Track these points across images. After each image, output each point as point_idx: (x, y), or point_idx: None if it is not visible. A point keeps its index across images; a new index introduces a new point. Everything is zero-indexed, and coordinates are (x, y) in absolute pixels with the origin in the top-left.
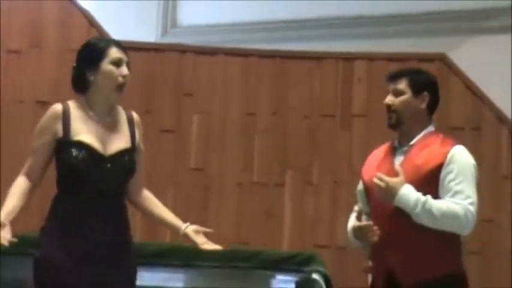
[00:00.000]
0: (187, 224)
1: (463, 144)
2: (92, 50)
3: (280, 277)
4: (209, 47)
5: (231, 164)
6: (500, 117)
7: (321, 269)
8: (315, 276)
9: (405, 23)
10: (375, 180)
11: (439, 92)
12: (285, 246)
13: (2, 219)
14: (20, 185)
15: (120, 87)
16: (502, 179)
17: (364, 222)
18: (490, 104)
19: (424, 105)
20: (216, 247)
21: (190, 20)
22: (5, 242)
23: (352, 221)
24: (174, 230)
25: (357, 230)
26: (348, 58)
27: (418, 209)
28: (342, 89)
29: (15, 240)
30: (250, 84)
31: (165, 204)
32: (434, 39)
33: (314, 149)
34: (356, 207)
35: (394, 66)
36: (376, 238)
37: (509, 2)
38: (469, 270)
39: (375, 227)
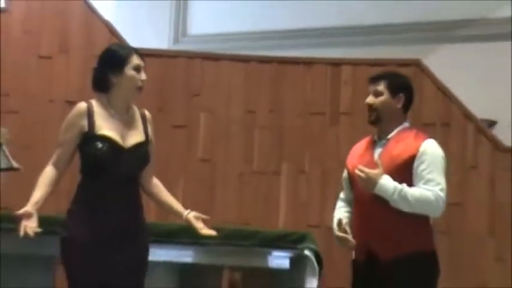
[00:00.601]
0: (189, 210)
1: (434, 138)
2: (116, 56)
3: (276, 253)
4: (214, 54)
5: (234, 156)
6: (466, 114)
7: (312, 246)
8: (307, 252)
9: (385, 33)
10: (357, 171)
11: (414, 93)
12: (281, 226)
13: (29, 209)
14: (47, 174)
15: (139, 89)
16: (468, 168)
17: (342, 234)
18: (458, 103)
19: (400, 105)
20: (212, 232)
21: (198, 30)
22: (31, 232)
23: (337, 214)
24: (178, 215)
25: (337, 239)
26: (336, 63)
27: (395, 196)
28: (330, 90)
29: (39, 230)
30: (251, 86)
31: (177, 190)
32: (410, 47)
33: (306, 143)
34: (337, 217)
35: (376, 71)
36: (352, 246)
37: (475, 14)
38: (439, 247)
39: (351, 240)
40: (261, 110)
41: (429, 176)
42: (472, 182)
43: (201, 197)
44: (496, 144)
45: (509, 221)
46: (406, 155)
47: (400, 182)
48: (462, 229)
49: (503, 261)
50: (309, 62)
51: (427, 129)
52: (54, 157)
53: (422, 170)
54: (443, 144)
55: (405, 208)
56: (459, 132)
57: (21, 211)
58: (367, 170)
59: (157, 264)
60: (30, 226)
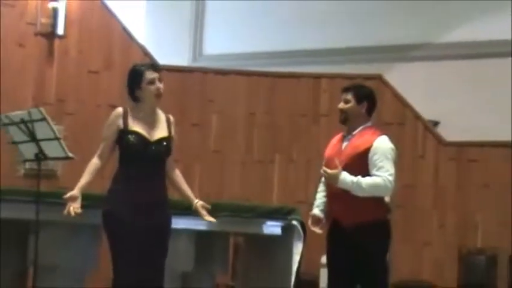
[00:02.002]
0: (197, 200)
1: (391, 135)
2: (135, 75)
3: (270, 223)
4: (223, 69)
5: (238, 148)
6: (416, 116)
7: (298, 217)
8: (294, 222)
9: (354, 53)
10: (322, 172)
11: (376, 100)
12: (274, 202)
13: (75, 193)
14: (92, 164)
15: (157, 96)
16: (418, 157)
17: (317, 229)
18: (410, 108)
19: (363, 110)
20: (212, 219)
21: (211, 51)
22: (72, 212)
23: (318, 198)
24: (190, 201)
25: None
26: (317, 77)
27: (354, 187)
28: (313, 97)
29: (80, 211)
30: (252, 94)
31: (194, 174)
32: (374, 65)
33: (294, 138)
34: (316, 204)
35: (347, 82)
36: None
37: (423, 40)
38: (396, 217)
39: (317, 231)
40: (259, 112)
41: (380, 164)
42: (421, 168)
43: (213, 180)
44: (439, 139)
45: (449, 198)
46: (363, 147)
47: (359, 167)
48: (413, 204)
49: (444, 227)
50: (296, 76)
51: (387, 127)
52: (99, 150)
53: (376, 160)
54: (399, 139)
55: (363, 194)
56: (411, 130)
57: (68, 194)
58: (328, 171)
59: (179, 231)
60: (74, 207)
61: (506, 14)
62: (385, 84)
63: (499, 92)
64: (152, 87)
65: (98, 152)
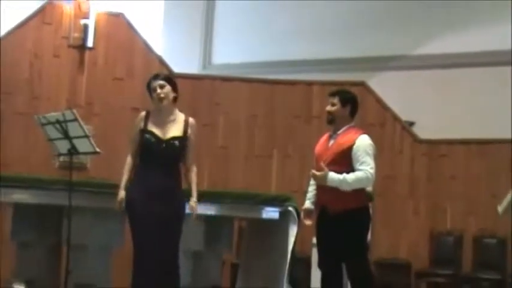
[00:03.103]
0: (193, 198)
1: (373, 133)
2: (147, 85)
3: (269, 209)
4: (229, 76)
5: (241, 145)
6: (395, 117)
7: (293, 204)
8: (290, 208)
9: (342, 63)
10: (310, 174)
11: (358, 104)
12: (273, 191)
13: (122, 193)
14: (128, 164)
15: (159, 100)
16: (396, 153)
17: (308, 221)
18: (390, 110)
19: (347, 112)
20: (194, 218)
21: (219, 61)
22: (119, 209)
23: (309, 191)
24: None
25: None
26: (309, 83)
27: (341, 184)
28: (305, 101)
29: (124, 207)
30: (253, 98)
31: (204, 167)
32: (358, 73)
33: (290, 136)
34: (307, 197)
35: (335, 88)
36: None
37: (401, 52)
38: (377, 204)
39: (307, 222)
40: (259, 114)
41: (362, 159)
42: (399, 162)
43: (220, 171)
44: (414, 137)
45: (422, 188)
46: (347, 144)
47: (344, 161)
48: (392, 193)
49: (418, 214)
50: (292, 83)
51: (369, 127)
52: (130, 150)
53: (358, 155)
54: (380, 137)
55: (350, 188)
56: (390, 129)
57: (119, 198)
58: (317, 173)
59: (190, 215)
60: (120, 206)
61: (471, 30)
62: (368, 90)
63: (464, 97)
64: (154, 94)
65: (130, 152)
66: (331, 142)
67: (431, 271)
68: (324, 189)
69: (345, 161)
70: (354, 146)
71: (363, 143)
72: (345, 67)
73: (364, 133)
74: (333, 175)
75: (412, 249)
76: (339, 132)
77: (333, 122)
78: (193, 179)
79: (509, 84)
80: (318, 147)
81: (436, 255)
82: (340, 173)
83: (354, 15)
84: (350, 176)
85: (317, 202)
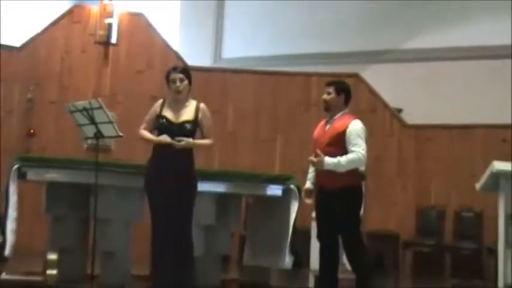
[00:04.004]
0: (192, 139)
1: (366, 119)
2: (166, 76)
3: (273, 187)
4: (238, 69)
5: (248, 130)
6: (385, 105)
7: (295, 182)
8: (292, 186)
9: (337, 57)
10: (308, 160)
11: (351, 93)
12: (276, 171)
13: (167, 138)
14: (143, 131)
15: (177, 92)
16: (386, 136)
17: (308, 201)
18: (380, 98)
19: (342, 100)
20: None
21: (228, 55)
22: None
23: (309, 172)
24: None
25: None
26: (309, 75)
27: (336, 167)
28: (305, 90)
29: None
30: (259, 88)
31: (214, 150)
32: (353, 65)
33: (291, 122)
34: (308, 177)
35: (331, 79)
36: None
37: (391, 46)
38: (369, 183)
39: (307, 201)
40: (265, 103)
41: (355, 142)
42: (389, 144)
43: (229, 154)
44: (402, 123)
45: (409, 168)
46: (341, 128)
47: (338, 144)
48: (382, 172)
49: (405, 191)
50: (293, 74)
51: (362, 114)
52: (143, 126)
53: (351, 138)
54: (371, 123)
55: (344, 170)
56: (381, 115)
57: (164, 140)
58: (314, 159)
59: (203, 193)
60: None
61: (455, 25)
62: (361, 80)
63: (448, 87)
64: (173, 86)
65: (143, 127)
66: (328, 127)
67: (417, 241)
68: (321, 171)
69: (339, 143)
70: (347, 130)
71: (355, 127)
72: (341, 60)
73: (357, 118)
74: (328, 160)
75: (400, 222)
76: (334, 118)
77: (329, 109)
78: (205, 141)
79: (487, 76)
80: (316, 132)
81: (421, 228)
82: (336, 154)
83: (350, 14)
84: (343, 159)
85: (315, 182)
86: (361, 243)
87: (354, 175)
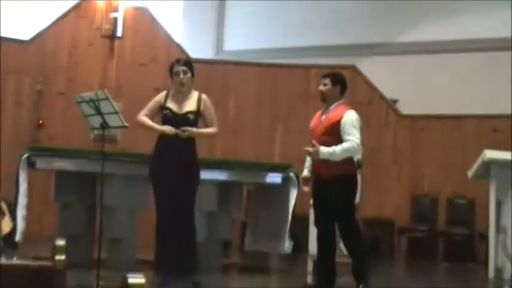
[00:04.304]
0: (196, 129)
1: (363, 110)
2: (170, 68)
3: (273, 175)
4: (238, 61)
5: (250, 120)
6: (381, 96)
7: (294, 171)
8: (291, 174)
9: (335, 49)
10: (305, 150)
11: (346, 84)
12: (276, 160)
13: (165, 128)
14: (142, 117)
15: (180, 85)
16: (382, 126)
17: (306, 188)
18: (376, 90)
19: (337, 91)
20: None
21: (230, 48)
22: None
23: (307, 161)
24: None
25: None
26: (308, 67)
27: (331, 156)
28: (304, 81)
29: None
30: (260, 80)
31: (218, 139)
32: (350, 57)
33: (291, 113)
34: (305, 166)
35: (328, 71)
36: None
37: (385, 39)
38: (365, 171)
39: (305, 189)
40: (265, 94)
41: (349, 131)
42: (385, 134)
43: (231, 143)
44: (397, 113)
45: (404, 157)
46: (336, 118)
47: (333, 133)
48: (378, 161)
49: (401, 179)
50: (292, 66)
51: (359, 105)
52: (144, 111)
53: (346, 128)
54: (368, 113)
55: (339, 158)
56: (377, 106)
57: (168, 130)
58: (310, 150)
59: (205, 181)
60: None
61: (449, 19)
62: (358, 72)
63: (441, 79)
64: (177, 79)
65: (143, 113)
66: (324, 117)
67: (412, 227)
68: (317, 160)
69: (334, 132)
70: (342, 120)
71: (350, 117)
72: (338, 53)
73: (351, 109)
74: (323, 149)
75: (395, 209)
76: (330, 108)
77: (325, 100)
78: (209, 129)
79: (479, 68)
80: (312, 122)
81: (416, 214)
82: (331, 143)
83: (348, 8)
84: (338, 148)
85: (312, 171)
86: (356, 229)
87: (349, 164)
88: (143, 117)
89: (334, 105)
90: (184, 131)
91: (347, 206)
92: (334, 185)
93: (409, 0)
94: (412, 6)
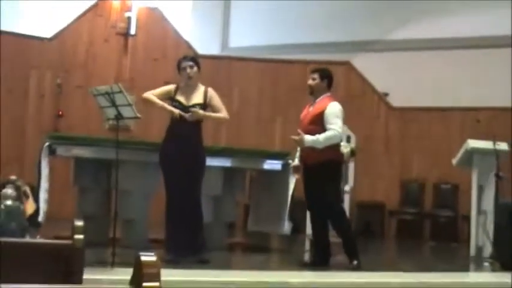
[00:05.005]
0: (203, 111)
1: (355, 102)
2: (178, 64)
3: (274, 162)
4: (242, 57)
5: (252, 111)
6: (373, 89)
7: (293, 158)
8: (290, 161)
9: (331, 46)
10: (292, 139)
11: (333, 78)
12: (276, 148)
13: (175, 112)
14: (148, 95)
15: (188, 78)
16: (374, 117)
17: (296, 176)
18: (369, 83)
19: (324, 85)
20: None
21: (234, 44)
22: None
23: (298, 151)
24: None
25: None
26: (306, 62)
27: (314, 143)
28: (302, 76)
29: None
30: (261, 74)
31: (222, 130)
32: (345, 54)
33: (290, 105)
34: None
35: (327, 67)
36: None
37: (378, 36)
38: (359, 158)
39: (296, 176)
40: (266, 87)
41: (332, 121)
42: (376, 125)
43: (235, 133)
44: (389, 105)
45: (394, 145)
46: (321, 109)
47: (318, 122)
48: (371, 149)
49: (391, 166)
50: (292, 62)
51: (352, 97)
52: (151, 92)
53: (329, 118)
54: (361, 105)
55: (322, 146)
56: (370, 99)
57: (176, 112)
58: (296, 138)
59: (211, 167)
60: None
61: (435, 18)
62: (352, 67)
63: (429, 74)
64: (184, 73)
65: (151, 92)
66: (311, 108)
67: (401, 210)
68: (304, 148)
69: (319, 121)
70: (326, 111)
71: (333, 108)
72: (334, 49)
73: (335, 101)
74: (308, 137)
75: (386, 193)
76: (317, 100)
77: (313, 93)
78: (218, 114)
79: (462, 65)
80: (302, 114)
81: (405, 198)
82: (316, 131)
83: (343, 8)
84: (322, 136)
85: (300, 159)
86: (340, 211)
87: (333, 151)
88: (150, 95)
89: (320, 98)
90: (192, 113)
91: (328, 190)
92: (318, 171)
93: (401, 0)
94: (402, 7)
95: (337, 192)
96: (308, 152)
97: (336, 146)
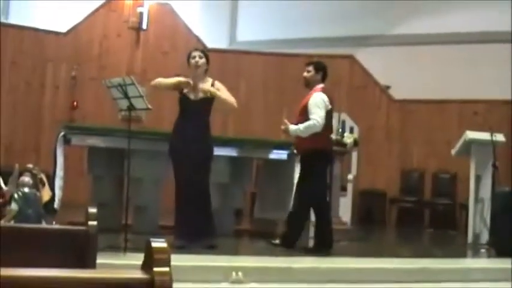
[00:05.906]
0: (213, 89)
1: (358, 94)
2: (188, 55)
3: (280, 151)
4: (249, 51)
5: (259, 103)
6: (375, 82)
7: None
8: (295, 151)
9: (335, 41)
10: (281, 128)
11: (327, 71)
12: (282, 138)
13: (184, 79)
14: (161, 78)
15: (196, 67)
16: (376, 109)
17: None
18: (371, 76)
19: (319, 78)
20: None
21: (242, 39)
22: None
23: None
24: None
25: None
26: (311, 56)
27: (296, 132)
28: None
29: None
30: (267, 67)
31: (229, 121)
32: (348, 48)
33: (295, 97)
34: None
35: (331, 60)
36: None
37: (380, 31)
38: (361, 148)
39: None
40: (272, 79)
41: (313, 111)
42: (378, 116)
43: (243, 123)
44: (390, 97)
45: (395, 136)
46: (306, 100)
47: (305, 113)
48: (373, 140)
49: (392, 155)
50: (296, 55)
51: (355, 90)
52: (164, 78)
53: (310, 108)
54: (363, 98)
55: (305, 134)
56: (372, 91)
57: (185, 81)
58: (283, 127)
59: (219, 156)
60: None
61: (436, 13)
62: (355, 61)
63: (429, 67)
64: (193, 61)
65: (159, 79)
66: (307, 98)
67: (401, 198)
68: (294, 138)
69: (305, 112)
70: (308, 102)
71: (314, 99)
72: (338, 43)
73: (319, 92)
74: (292, 127)
75: (387, 182)
76: (310, 92)
77: (308, 86)
78: (225, 100)
79: (461, 58)
80: (300, 103)
81: (405, 187)
82: (303, 121)
83: (346, 4)
84: (302, 125)
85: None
86: (305, 203)
87: (319, 140)
88: (160, 78)
89: (313, 89)
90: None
91: (307, 177)
92: (303, 159)
93: None
94: (404, 2)
95: (319, 184)
96: (296, 141)
97: (322, 134)
